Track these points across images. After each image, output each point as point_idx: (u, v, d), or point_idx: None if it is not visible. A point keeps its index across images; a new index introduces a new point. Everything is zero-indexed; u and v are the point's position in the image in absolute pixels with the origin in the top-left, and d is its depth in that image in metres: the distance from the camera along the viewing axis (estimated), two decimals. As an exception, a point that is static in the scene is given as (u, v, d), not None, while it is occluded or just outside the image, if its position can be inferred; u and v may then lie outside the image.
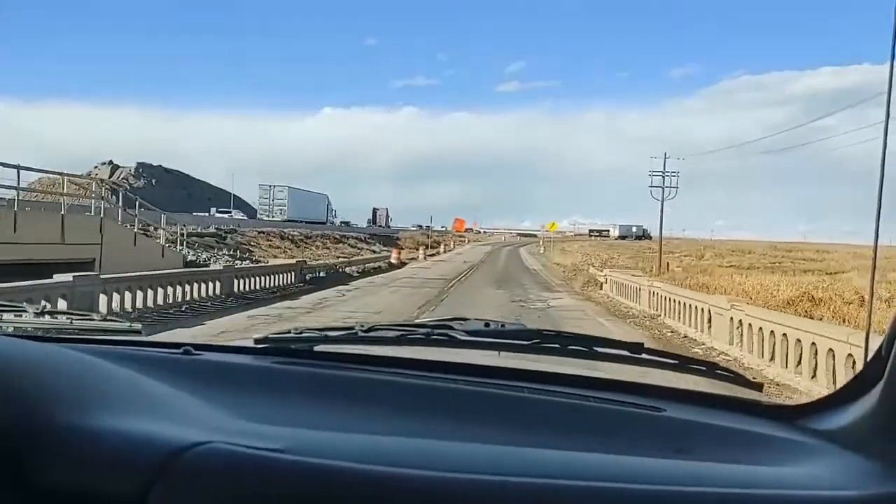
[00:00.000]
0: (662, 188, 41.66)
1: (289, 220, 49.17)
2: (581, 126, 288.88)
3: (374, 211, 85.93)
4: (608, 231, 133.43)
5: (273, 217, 52.77)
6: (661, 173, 41.91)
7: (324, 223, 58.19)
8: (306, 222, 50.38)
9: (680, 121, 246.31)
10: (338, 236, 47.47)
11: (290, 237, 39.19)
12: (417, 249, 47.30)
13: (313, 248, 38.46)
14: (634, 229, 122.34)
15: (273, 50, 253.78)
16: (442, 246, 60.23)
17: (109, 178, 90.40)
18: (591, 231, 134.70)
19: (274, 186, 59.49)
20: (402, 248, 48.30)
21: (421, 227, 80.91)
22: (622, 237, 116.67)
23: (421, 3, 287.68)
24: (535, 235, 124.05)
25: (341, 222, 69.53)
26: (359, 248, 45.09)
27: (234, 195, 76.48)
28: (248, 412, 0.98)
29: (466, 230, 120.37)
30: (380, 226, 77.92)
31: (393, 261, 35.67)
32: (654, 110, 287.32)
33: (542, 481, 0.79)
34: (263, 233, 36.78)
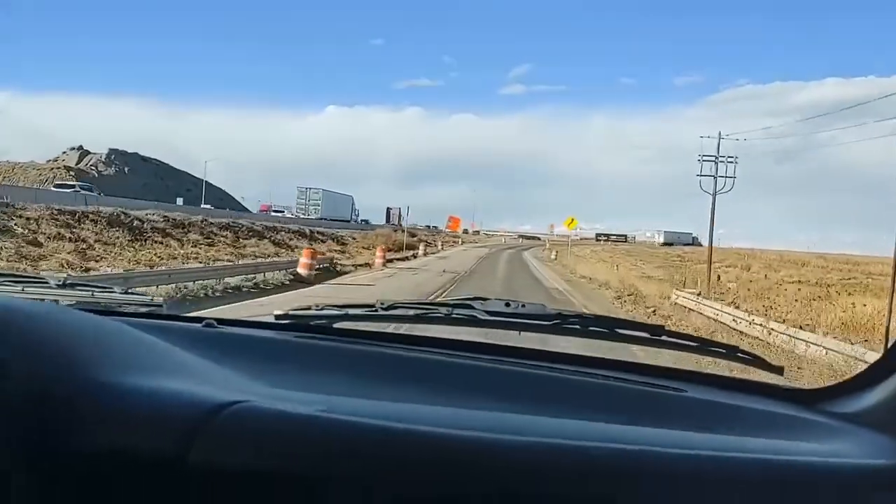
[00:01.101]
0: (715, 177, 29.04)
1: (321, 219, 53.67)
2: (584, 131, 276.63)
3: (388, 210, 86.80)
4: (622, 236, 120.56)
5: (308, 216, 58.48)
6: (713, 158, 29.28)
7: (348, 221, 62.20)
8: (330, 219, 54.33)
9: (683, 128, 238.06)
10: (258, 228, 34.43)
11: (129, 223, 23.50)
12: (377, 250, 32.44)
13: (174, 244, 23.95)
14: (682, 236, 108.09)
15: (279, 48, 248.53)
16: (422, 247, 46.74)
17: (77, 164, 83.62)
18: (598, 235, 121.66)
19: (309, 189, 65.07)
20: (368, 250, 35.95)
21: (428, 227, 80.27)
22: (668, 244, 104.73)
23: (428, 5, 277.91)
24: (538, 238, 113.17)
25: (362, 220, 72.84)
26: (288, 248, 32.26)
27: (228, 191, 75.63)
28: (273, 381, 1.01)
29: (473, 232, 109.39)
30: (393, 224, 77.09)
31: (301, 270, 20.90)
32: (658, 117, 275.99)
33: (559, 441, 0.79)
34: (63, 213, 21.33)
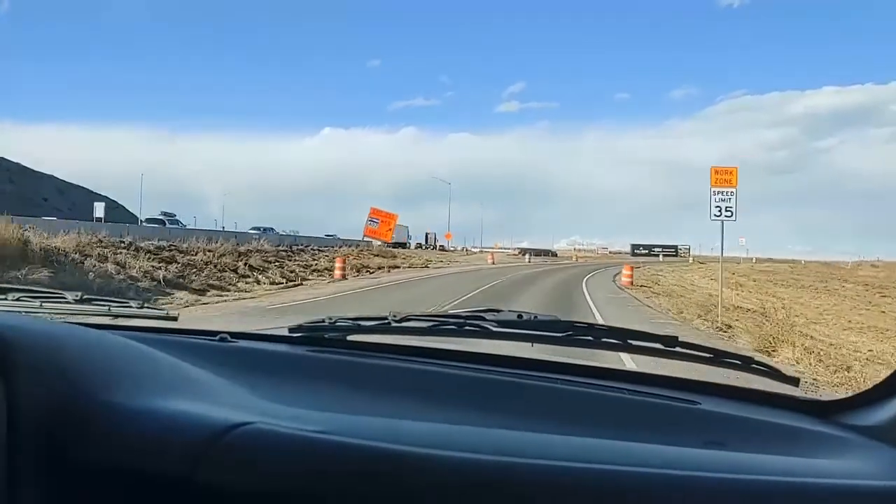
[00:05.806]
0: None
1: (396, 242, 63.51)
2: (580, 147, 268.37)
3: (426, 234, 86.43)
4: (671, 247, 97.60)
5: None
6: None
7: (405, 244, 68.83)
8: (397, 243, 64.52)
9: (680, 141, 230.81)
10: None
11: None
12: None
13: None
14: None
15: (275, 71, 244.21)
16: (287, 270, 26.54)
17: None
18: (634, 247, 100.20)
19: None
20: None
21: (421, 245, 75.89)
22: None
23: (424, 25, 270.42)
24: (550, 252, 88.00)
25: (417, 243, 76.92)
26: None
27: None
28: (285, 397, 1.01)
29: (436, 247, 73.68)
30: (431, 244, 78.12)
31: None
32: (654, 131, 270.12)
33: (572, 465, 0.78)
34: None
